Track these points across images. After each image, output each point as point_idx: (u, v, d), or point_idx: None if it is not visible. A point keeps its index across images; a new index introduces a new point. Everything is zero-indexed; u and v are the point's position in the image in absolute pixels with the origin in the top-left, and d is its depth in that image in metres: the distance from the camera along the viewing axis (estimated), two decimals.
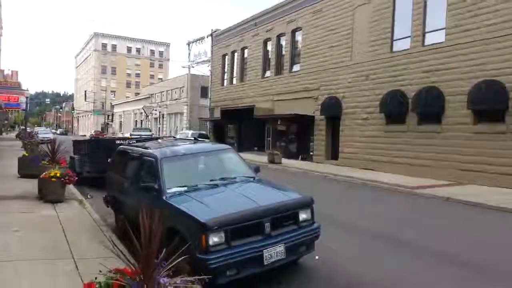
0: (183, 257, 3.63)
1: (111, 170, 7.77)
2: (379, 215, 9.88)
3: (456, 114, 15.71)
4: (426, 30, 17.41)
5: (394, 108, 18.11)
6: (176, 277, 3.21)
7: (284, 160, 22.86)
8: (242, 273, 4.78)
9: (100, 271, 3.20)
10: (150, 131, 43.99)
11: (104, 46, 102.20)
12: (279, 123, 26.92)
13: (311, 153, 23.94)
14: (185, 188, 5.60)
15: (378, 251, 6.86)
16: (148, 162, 6.17)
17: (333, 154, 22.36)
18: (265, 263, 4.87)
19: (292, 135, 26.21)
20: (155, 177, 5.76)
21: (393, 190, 14.02)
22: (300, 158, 24.31)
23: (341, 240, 7.40)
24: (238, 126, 32.89)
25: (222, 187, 5.77)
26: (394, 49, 18.75)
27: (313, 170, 19.25)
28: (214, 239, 4.62)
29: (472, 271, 5.96)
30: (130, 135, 32.45)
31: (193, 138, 7.89)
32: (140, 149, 6.79)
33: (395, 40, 18.79)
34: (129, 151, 7.13)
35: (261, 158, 23.69)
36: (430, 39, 17.21)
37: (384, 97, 18.58)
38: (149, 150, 6.42)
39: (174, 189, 5.56)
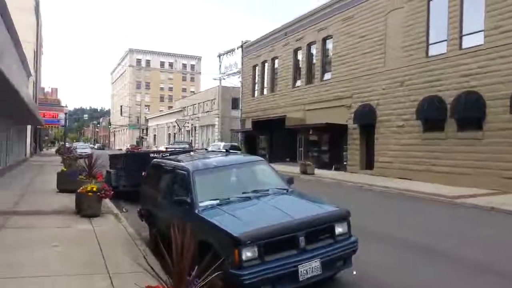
0: (216, 274, 3.50)
1: (145, 184, 7.82)
2: (418, 226, 9.43)
3: (498, 119, 14.95)
4: (463, 33, 16.80)
5: (432, 115, 17.45)
6: None
7: (317, 171, 22.49)
8: None
9: None
10: (189, 144, 43.83)
11: (138, 61, 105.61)
12: (311, 133, 26.63)
13: (345, 163, 23.44)
14: (218, 201, 5.51)
15: (417, 264, 6.51)
16: (180, 175, 6.14)
17: (368, 163, 21.79)
18: (301, 279, 4.68)
19: (325, 144, 25.82)
20: (187, 190, 5.71)
21: (432, 199, 13.42)
22: (333, 168, 23.86)
23: (379, 252, 7.09)
24: (269, 137, 32.81)
25: (254, 200, 5.64)
26: (430, 53, 18.17)
27: (347, 180, 18.81)
28: (247, 253, 4.48)
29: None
30: (166, 148, 32.93)
31: (225, 150, 7.83)
32: (173, 162, 6.79)
33: (430, 44, 18.22)
34: (162, 164, 7.15)
35: (293, 169, 23.43)
36: (467, 42, 16.58)
37: (420, 104, 17.97)
38: (182, 163, 6.39)
39: (206, 202, 5.49)
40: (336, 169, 23.69)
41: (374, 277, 5.81)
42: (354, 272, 5.64)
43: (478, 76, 15.73)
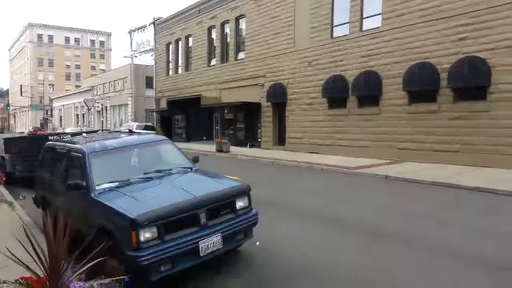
0: (100, 259, 3.43)
1: (39, 168, 7.31)
2: (320, 195, 10.13)
3: (393, 96, 16.39)
4: (364, 15, 17.91)
5: (336, 93, 18.57)
6: (91, 280, 3.02)
7: (233, 148, 22.81)
8: (178, 267, 4.67)
9: (5, 281, 2.95)
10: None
11: (39, 37, 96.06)
12: (226, 111, 26.79)
13: (259, 140, 24.07)
14: (117, 184, 5.36)
15: (319, 234, 7.03)
16: (75, 158, 5.84)
17: (281, 139, 22.63)
18: (202, 254, 4.80)
19: (240, 122, 26.17)
20: (83, 174, 5.46)
21: (336, 171, 14.46)
22: (248, 145, 24.36)
23: (283, 223, 7.51)
24: (185, 116, 32.32)
25: (156, 180, 5.59)
26: (334, 35, 19.13)
27: (261, 156, 19.38)
28: (145, 234, 4.45)
29: (411, 247, 6.27)
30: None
31: (128, 130, 7.58)
32: (67, 144, 6.42)
33: (335, 26, 19.16)
34: (57, 147, 6.73)
35: (209, 147, 23.51)
36: (367, 24, 17.73)
37: (326, 83, 18.99)
38: (77, 145, 6.07)
39: (104, 185, 5.30)
40: (251, 146, 24.22)
41: (281, 248, 6.14)
42: (257, 243, 5.95)
43: (376, 56, 17.00)
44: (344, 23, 18.61)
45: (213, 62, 28.74)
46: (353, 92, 17.79)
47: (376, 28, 17.17)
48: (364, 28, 17.83)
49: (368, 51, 17.29)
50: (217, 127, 28.96)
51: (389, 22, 16.66)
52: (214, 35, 28.68)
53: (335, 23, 19.15)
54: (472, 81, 13.80)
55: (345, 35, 18.47)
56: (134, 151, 6.23)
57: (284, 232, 7.03)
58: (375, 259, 5.68)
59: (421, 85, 15.26)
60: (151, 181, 5.58)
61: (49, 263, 2.84)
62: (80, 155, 5.73)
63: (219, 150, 22.12)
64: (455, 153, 14.29)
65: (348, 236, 6.83)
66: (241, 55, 25.91)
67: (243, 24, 25.68)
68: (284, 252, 6.00)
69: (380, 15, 17.09)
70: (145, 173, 5.74)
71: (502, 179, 11.10)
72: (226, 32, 27.51)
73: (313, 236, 6.88)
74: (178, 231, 4.71)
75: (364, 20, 17.92)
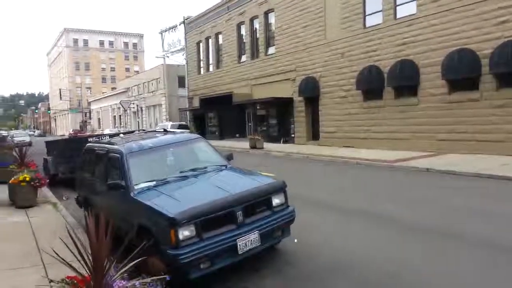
0: (141, 258, 3.43)
1: (80, 169, 7.52)
2: (362, 192, 9.87)
3: (432, 85, 15.76)
4: (398, 2, 17.32)
5: (371, 84, 18.08)
6: (134, 280, 3.03)
7: (266, 145, 22.75)
8: (217, 265, 4.66)
9: (52, 280, 3.01)
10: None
11: (75, 41, 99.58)
12: (258, 107, 26.76)
13: (293, 135, 23.87)
14: (154, 183, 5.40)
15: (355, 229, 6.82)
16: (113, 159, 5.95)
17: (314, 134, 22.35)
18: (240, 252, 4.76)
19: (273, 118, 26.07)
20: (122, 174, 5.54)
21: (373, 165, 14.07)
22: (282, 141, 24.23)
23: (321, 219, 7.36)
24: (218, 114, 32.58)
25: (192, 179, 5.59)
26: (367, 24, 18.62)
27: (295, 152, 19.20)
28: (184, 233, 4.46)
29: (455, 240, 5.98)
30: None
31: (162, 130, 7.66)
32: (106, 145, 6.56)
33: (367, 15, 18.65)
34: (96, 148, 6.89)
35: (243, 144, 23.57)
36: (402, 11, 17.13)
37: (360, 74, 18.52)
38: (115, 146, 6.18)
39: (142, 185, 5.36)
40: (284, 142, 24.08)
41: (319, 245, 6.01)
42: (296, 240, 5.84)
43: (412, 44, 16.39)
44: (377, 12, 18.07)
45: (244, 58, 28.74)
46: (389, 83, 17.25)
47: (411, 15, 16.55)
48: (398, 16, 17.24)
49: (404, 39, 16.70)
50: (249, 124, 28.99)
51: (424, 8, 16.01)
52: (243, 31, 28.67)
53: (367, 12, 18.63)
54: None
55: (378, 24, 17.93)
56: (169, 150, 6.28)
57: (322, 229, 6.86)
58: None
59: (461, 72, 14.58)
60: (187, 179, 5.59)
61: (92, 262, 2.88)
62: (118, 155, 5.82)
63: (253, 147, 22.11)
64: (499, 143, 13.56)
65: (389, 232, 6.59)
66: (271, 50, 25.76)
67: (272, 19, 25.50)
68: (323, 249, 5.86)
69: (415, 1, 16.46)
70: (180, 172, 5.76)
71: None
72: (256, 28, 27.42)
73: (354, 233, 6.66)
74: (216, 229, 4.69)
75: (398, 7, 17.32)
